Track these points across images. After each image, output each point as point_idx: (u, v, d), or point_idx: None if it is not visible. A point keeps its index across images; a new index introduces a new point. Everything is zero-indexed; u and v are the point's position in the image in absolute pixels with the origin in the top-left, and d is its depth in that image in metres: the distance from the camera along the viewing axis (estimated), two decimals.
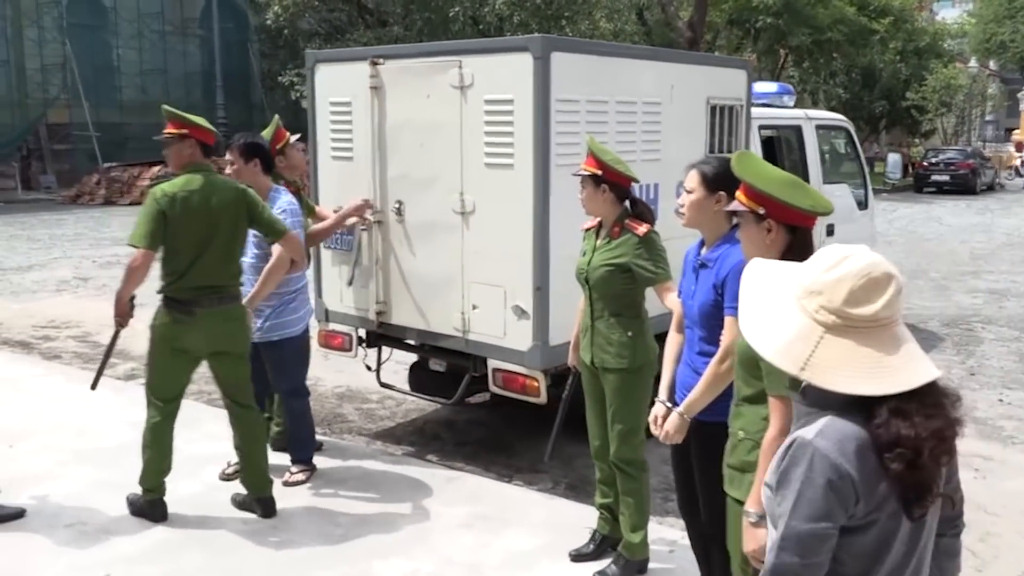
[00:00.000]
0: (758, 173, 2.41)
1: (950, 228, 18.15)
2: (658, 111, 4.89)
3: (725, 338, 2.78)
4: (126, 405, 5.54)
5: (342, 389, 6.51)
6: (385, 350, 5.35)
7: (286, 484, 4.47)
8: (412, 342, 5.12)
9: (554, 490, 4.74)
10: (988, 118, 47.54)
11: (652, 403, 3.18)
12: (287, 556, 3.83)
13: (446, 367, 5.19)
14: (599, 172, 3.43)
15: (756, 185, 2.37)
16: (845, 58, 28.20)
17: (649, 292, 3.51)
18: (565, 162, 4.20)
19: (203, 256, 3.89)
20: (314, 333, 5.06)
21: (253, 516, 4.15)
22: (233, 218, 3.95)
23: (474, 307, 4.56)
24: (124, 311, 3.94)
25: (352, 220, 4.81)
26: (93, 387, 4.20)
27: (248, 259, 4.32)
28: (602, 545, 3.79)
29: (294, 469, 4.59)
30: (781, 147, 6.96)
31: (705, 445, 2.92)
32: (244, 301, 4.12)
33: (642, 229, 3.44)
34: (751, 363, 2.36)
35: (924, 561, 1.60)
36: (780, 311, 1.55)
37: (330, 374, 6.63)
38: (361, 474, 4.70)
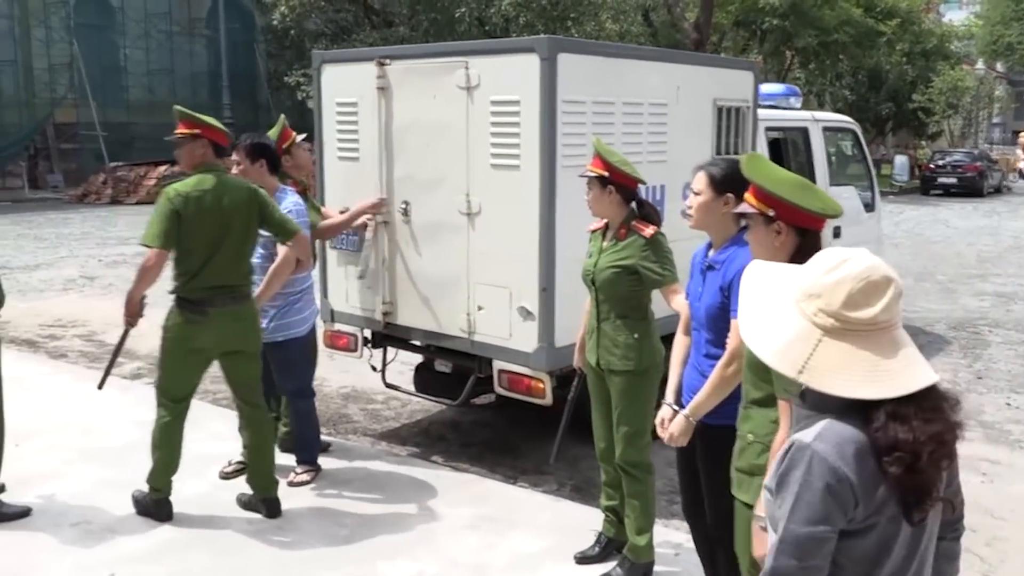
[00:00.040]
0: (768, 175, 2.40)
1: (957, 231, 18.09)
2: (664, 112, 4.88)
3: (732, 341, 2.77)
4: (132, 404, 5.56)
5: (347, 389, 6.51)
6: (391, 351, 5.35)
7: (291, 484, 4.47)
8: (418, 343, 5.12)
9: (559, 492, 4.73)
10: (995, 120, 47.47)
11: (658, 405, 3.17)
12: (292, 556, 3.83)
13: (451, 368, 5.19)
14: (606, 173, 3.43)
15: (766, 187, 2.36)
16: (852, 60, 28.15)
17: (655, 294, 3.50)
18: (571, 163, 4.20)
19: (216, 256, 3.89)
20: (320, 333, 5.06)
21: (258, 516, 4.15)
22: (245, 218, 3.96)
23: (480, 308, 4.56)
24: (135, 311, 3.95)
25: (365, 218, 4.81)
26: (100, 387, 4.21)
27: (254, 259, 4.32)
28: (607, 548, 3.78)
29: (299, 470, 4.59)
30: (788, 149, 6.94)
31: (711, 448, 2.91)
32: None
33: (649, 231, 3.43)
34: (760, 366, 2.35)
35: (925, 565, 1.60)
36: (779, 313, 1.55)
37: (335, 374, 6.64)
38: (366, 475, 4.70)
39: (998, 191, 30.04)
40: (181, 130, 3.98)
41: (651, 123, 4.80)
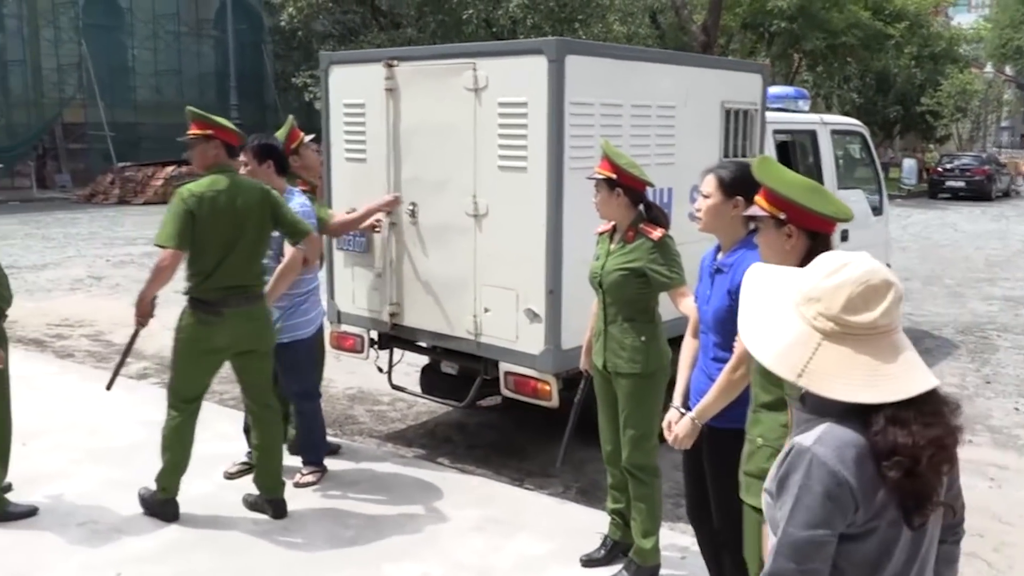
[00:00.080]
0: (780, 178, 2.39)
1: (965, 234, 18.03)
2: (672, 115, 4.87)
3: (739, 345, 2.75)
4: (139, 404, 5.57)
5: (353, 391, 6.51)
6: (397, 352, 5.35)
7: (297, 485, 4.47)
8: (424, 344, 5.12)
9: (565, 494, 4.72)
10: (1004, 124, 47.33)
11: (665, 408, 3.16)
12: (297, 557, 3.83)
13: (458, 370, 5.19)
14: (613, 176, 3.42)
15: (778, 190, 2.35)
16: (859, 63, 28.09)
17: (663, 297, 3.49)
18: (579, 165, 4.19)
19: (230, 256, 3.89)
20: (326, 335, 5.06)
21: (264, 517, 4.15)
22: (259, 219, 3.96)
23: (486, 310, 4.55)
24: (146, 311, 3.95)
25: (375, 218, 4.81)
26: (108, 387, 4.21)
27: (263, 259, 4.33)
28: (613, 551, 3.77)
29: (305, 471, 4.59)
30: (796, 152, 6.92)
31: (717, 451, 2.91)
32: None
33: (656, 233, 3.42)
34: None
35: (925, 569, 1.59)
36: (779, 317, 1.55)
37: (342, 375, 6.64)
38: (372, 476, 4.70)
39: (1006, 195, 29.94)
40: (194, 131, 3.98)
41: (659, 125, 4.80)
